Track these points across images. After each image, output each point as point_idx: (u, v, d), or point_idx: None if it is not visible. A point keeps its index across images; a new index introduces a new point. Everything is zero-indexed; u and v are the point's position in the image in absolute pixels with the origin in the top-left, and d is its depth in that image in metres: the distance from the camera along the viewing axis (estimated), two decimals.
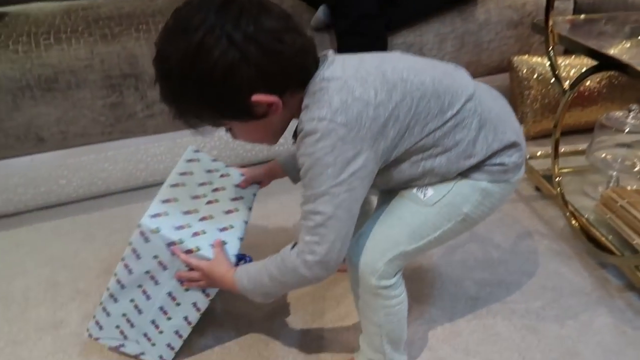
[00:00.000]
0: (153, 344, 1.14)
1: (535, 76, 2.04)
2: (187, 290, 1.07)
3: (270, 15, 0.84)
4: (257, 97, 0.85)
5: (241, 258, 1.08)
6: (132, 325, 1.12)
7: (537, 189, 1.80)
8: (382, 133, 0.86)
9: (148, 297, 1.09)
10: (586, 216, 1.52)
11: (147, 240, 1.03)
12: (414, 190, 0.97)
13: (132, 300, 1.10)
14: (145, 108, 1.82)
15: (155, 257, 1.04)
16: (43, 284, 1.49)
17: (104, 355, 1.23)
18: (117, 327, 1.14)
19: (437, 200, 0.95)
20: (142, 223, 1.04)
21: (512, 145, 0.97)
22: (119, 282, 1.09)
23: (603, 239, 1.42)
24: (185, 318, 1.11)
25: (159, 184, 2.04)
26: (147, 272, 1.06)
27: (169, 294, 1.08)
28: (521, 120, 2.13)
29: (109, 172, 1.86)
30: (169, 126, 1.88)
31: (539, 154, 1.88)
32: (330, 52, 0.93)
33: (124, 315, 1.12)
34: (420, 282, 1.39)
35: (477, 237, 1.58)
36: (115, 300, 1.11)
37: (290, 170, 1.24)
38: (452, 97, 0.92)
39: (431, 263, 1.48)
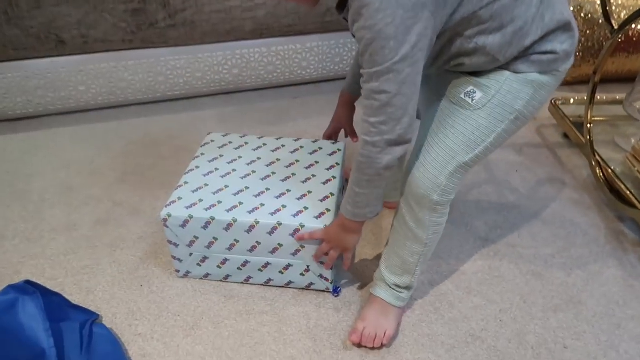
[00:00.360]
0: None
1: (582, 15, 1.90)
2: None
3: None
4: None
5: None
6: None
7: (565, 135, 1.73)
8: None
9: None
10: (612, 167, 1.46)
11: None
12: (462, 95, 0.91)
13: None
14: (168, 17, 1.76)
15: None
16: (58, 187, 1.52)
17: (114, 259, 1.27)
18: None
19: (486, 102, 0.89)
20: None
21: (566, 28, 0.88)
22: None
23: (627, 192, 1.36)
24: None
25: (178, 98, 2.05)
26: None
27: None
28: None
29: (128, 82, 1.84)
30: (190, 39, 1.82)
31: (572, 100, 1.78)
32: None
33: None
34: None
35: (494, 178, 1.54)
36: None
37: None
38: None
39: None
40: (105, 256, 1.28)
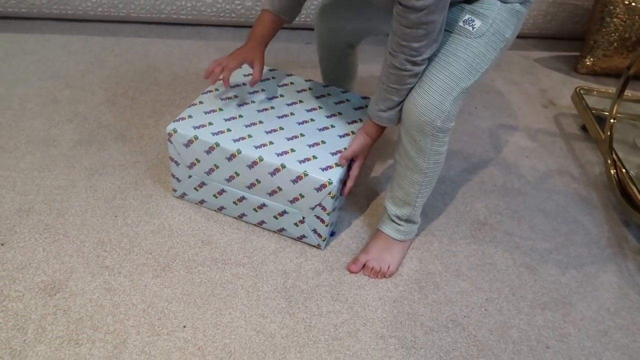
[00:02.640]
0: None
1: (626, 1, 1.77)
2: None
3: None
4: None
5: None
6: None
7: (584, 128, 1.64)
8: None
9: None
10: (628, 169, 1.38)
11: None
12: (460, 22, 0.94)
13: None
14: None
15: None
16: (42, 98, 1.42)
17: (91, 183, 1.19)
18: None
19: (485, 30, 0.93)
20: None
21: None
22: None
23: (638, 196, 1.29)
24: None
25: (183, 23, 1.91)
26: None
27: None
28: (589, 50, 1.89)
29: None
30: None
31: (595, 92, 1.68)
32: None
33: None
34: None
35: (502, 161, 1.46)
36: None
37: (284, 10, 1.09)
38: None
39: (448, 176, 1.37)
40: (82, 179, 1.20)
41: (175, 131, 1.05)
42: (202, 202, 1.16)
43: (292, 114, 1.14)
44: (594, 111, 1.56)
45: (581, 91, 1.65)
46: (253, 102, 1.15)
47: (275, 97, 1.18)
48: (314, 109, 1.17)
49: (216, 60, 1.07)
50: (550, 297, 1.11)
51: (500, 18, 0.93)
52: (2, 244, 1.03)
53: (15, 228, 1.07)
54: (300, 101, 1.18)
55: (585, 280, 1.16)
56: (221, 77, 1.05)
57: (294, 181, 1.01)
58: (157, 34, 1.78)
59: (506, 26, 0.94)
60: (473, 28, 0.93)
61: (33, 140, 1.28)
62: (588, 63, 1.92)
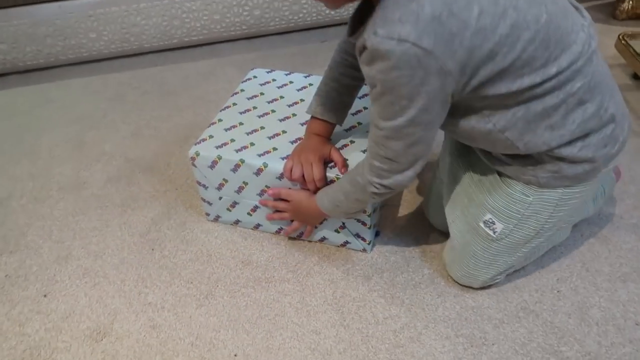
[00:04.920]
0: None
1: None
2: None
3: None
4: None
5: None
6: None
7: (635, 77, 1.49)
8: (470, 69, 0.64)
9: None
10: None
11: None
12: (481, 223, 0.86)
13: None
14: None
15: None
16: (69, 143, 1.42)
17: (125, 220, 1.16)
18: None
19: (508, 232, 0.85)
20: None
21: (610, 123, 0.76)
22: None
23: None
24: None
25: (196, 44, 1.89)
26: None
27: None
28: None
29: (141, 28, 1.70)
30: None
31: None
32: None
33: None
34: None
35: None
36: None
37: (333, 114, 0.96)
38: (562, 49, 0.67)
39: None
40: (115, 217, 1.18)
41: (197, 154, 1.00)
42: (237, 222, 1.11)
43: None
44: None
45: (625, 37, 1.51)
46: (274, 111, 1.10)
47: (296, 103, 1.12)
48: None
49: (290, 169, 0.93)
50: (630, 267, 0.99)
51: (528, 213, 0.82)
52: (45, 295, 1.02)
53: (56, 277, 1.05)
54: None
55: None
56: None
57: None
58: (172, 59, 1.76)
59: (539, 215, 0.82)
60: (494, 232, 0.85)
61: (64, 186, 1.27)
62: (627, 7, 1.76)
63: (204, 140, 1.03)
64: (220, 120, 1.08)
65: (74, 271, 1.06)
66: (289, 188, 0.97)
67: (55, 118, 1.52)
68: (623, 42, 1.49)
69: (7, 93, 1.65)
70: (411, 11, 0.60)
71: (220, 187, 1.04)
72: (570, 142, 0.74)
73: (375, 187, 0.79)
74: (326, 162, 0.96)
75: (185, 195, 1.21)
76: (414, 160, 0.74)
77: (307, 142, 0.97)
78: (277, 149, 0.99)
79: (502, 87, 0.67)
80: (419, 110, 0.66)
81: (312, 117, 0.98)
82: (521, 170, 0.79)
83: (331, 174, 0.94)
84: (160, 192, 1.23)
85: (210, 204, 1.09)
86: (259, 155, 0.98)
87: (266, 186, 1.00)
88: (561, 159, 0.75)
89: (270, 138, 1.02)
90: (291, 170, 0.93)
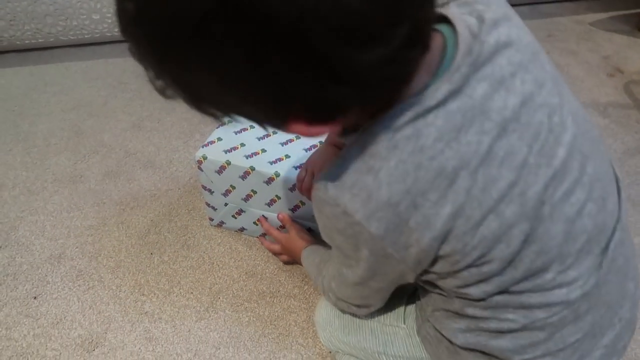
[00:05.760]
0: None
1: None
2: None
3: None
4: None
5: None
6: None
7: None
8: (425, 265, 0.50)
9: None
10: None
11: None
12: None
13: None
14: None
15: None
16: (67, 131, 1.35)
17: (123, 219, 1.10)
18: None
19: None
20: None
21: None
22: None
23: None
24: None
25: None
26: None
27: None
28: None
29: None
30: None
31: None
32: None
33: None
34: None
35: None
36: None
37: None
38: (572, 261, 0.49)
39: None
40: (112, 216, 1.11)
41: (205, 158, 0.94)
42: (242, 229, 1.05)
43: None
44: None
45: None
46: None
47: None
48: None
49: (303, 180, 0.86)
50: None
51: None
52: (35, 297, 0.96)
53: (48, 278, 0.99)
54: None
55: None
56: None
57: None
58: None
59: None
60: None
61: (60, 178, 1.20)
62: None
63: (212, 142, 0.96)
64: (229, 121, 1.01)
65: (67, 272, 1.00)
66: (289, 217, 0.95)
67: (53, 103, 1.45)
68: None
69: (4, 73, 1.57)
70: (365, 185, 0.46)
71: (227, 193, 0.97)
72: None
73: (330, 299, 0.69)
74: None
75: (188, 196, 1.15)
76: (367, 297, 0.64)
77: (323, 152, 0.91)
78: (289, 157, 0.93)
79: (472, 294, 0.52)
80: (369, 279, 0.56)
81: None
82: None
83: None
84: (162, 191, 1.17)
85: (214, 209, 1.03)
86: (271, 163, 0.92)
87: (276, 196, 0.94)
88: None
89: (282, 144, 0.96)
90: (303, 181, 0.87)
